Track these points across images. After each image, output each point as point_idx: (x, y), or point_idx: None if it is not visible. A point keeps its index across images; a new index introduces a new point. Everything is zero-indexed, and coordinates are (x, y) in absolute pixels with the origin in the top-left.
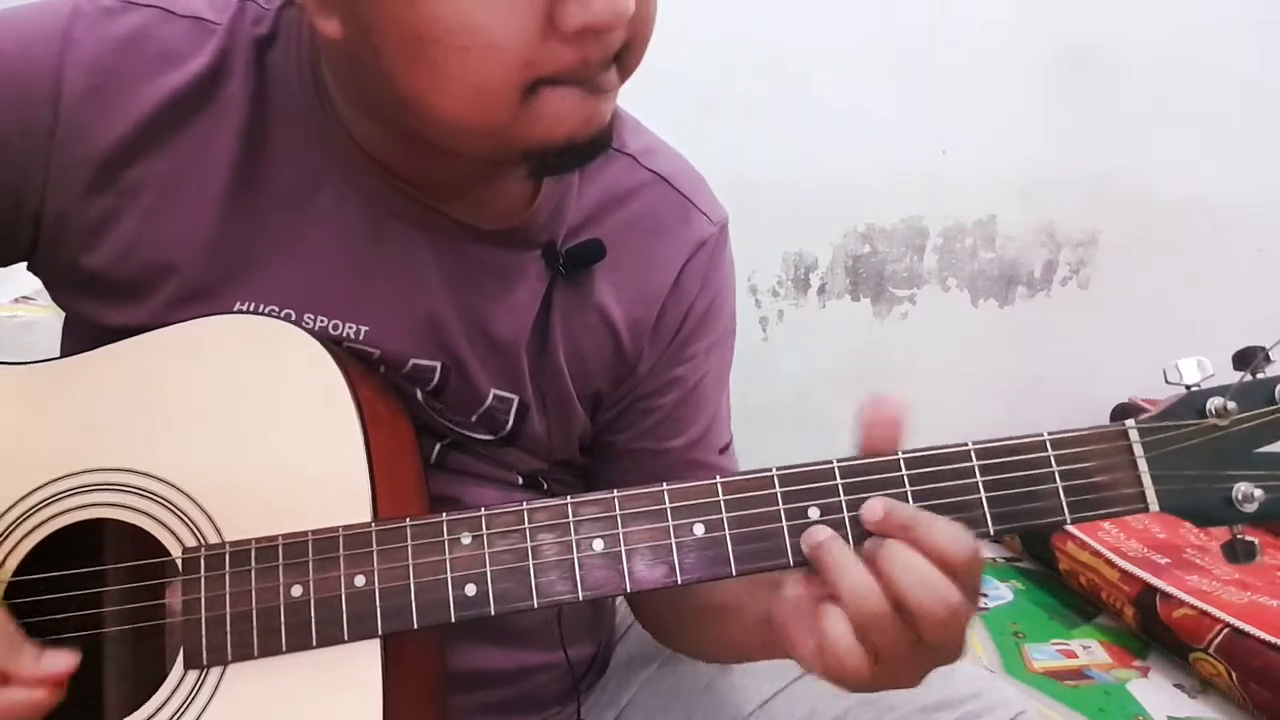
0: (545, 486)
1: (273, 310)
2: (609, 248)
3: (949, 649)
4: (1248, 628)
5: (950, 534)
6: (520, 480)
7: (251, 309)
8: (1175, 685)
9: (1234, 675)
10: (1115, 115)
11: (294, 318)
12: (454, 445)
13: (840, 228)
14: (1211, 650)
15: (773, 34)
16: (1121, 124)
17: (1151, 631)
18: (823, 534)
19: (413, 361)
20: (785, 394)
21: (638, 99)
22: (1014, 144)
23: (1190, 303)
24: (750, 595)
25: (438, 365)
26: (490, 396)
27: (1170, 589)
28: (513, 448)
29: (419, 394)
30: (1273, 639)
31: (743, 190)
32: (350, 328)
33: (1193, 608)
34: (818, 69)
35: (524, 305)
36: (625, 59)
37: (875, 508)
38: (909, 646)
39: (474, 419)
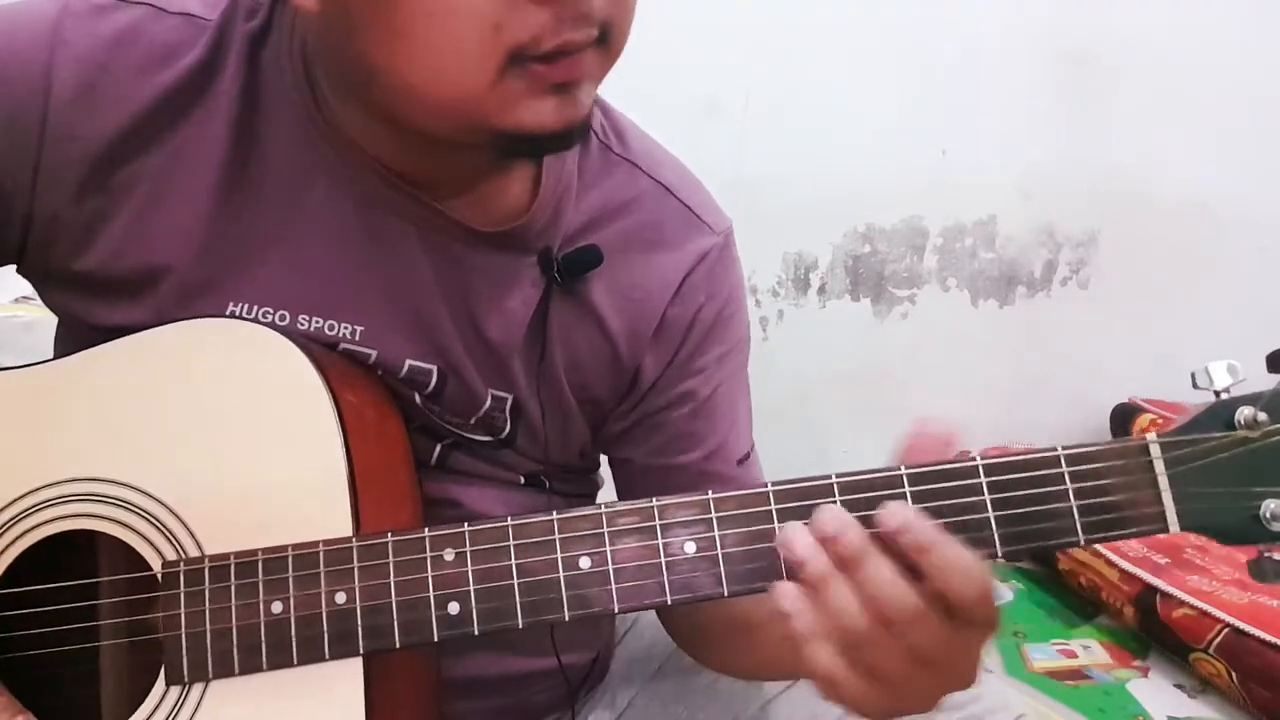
0: (547, 485)
1: (267, 312)
2: (607, 256)
3: (956, 670)
4: (1248, 628)
5: (962, 571)
6: (522, 480)
7: (246, 310)
8: (1175, 685)
9: (1234, 675)
10: (1115, 115)
11: (289, 319)
12: (455, 446)
13: (840, 228)
14: (1211, 650)
15: (773, 34)
16: (1121, 124)
17: (1151, 631)
18: (800, 543)
19: (409, 363)
20: (785, 394)
21: (638, 99)
22: (1014, 144)
23: (1190, 302)
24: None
25: (434, 369)
26: (488, 398)
27: (1170, 589)
28: (511, 450)
29: (417, 398)
30: (1273, 639)
31: (742, 190)
32: (346, 328)
33: (1193, 608)
34: (817, 69)
35: (517, 310)
36: (607, 40)
37: (895, 514)
38: (903, 664)
39: (473, 421)
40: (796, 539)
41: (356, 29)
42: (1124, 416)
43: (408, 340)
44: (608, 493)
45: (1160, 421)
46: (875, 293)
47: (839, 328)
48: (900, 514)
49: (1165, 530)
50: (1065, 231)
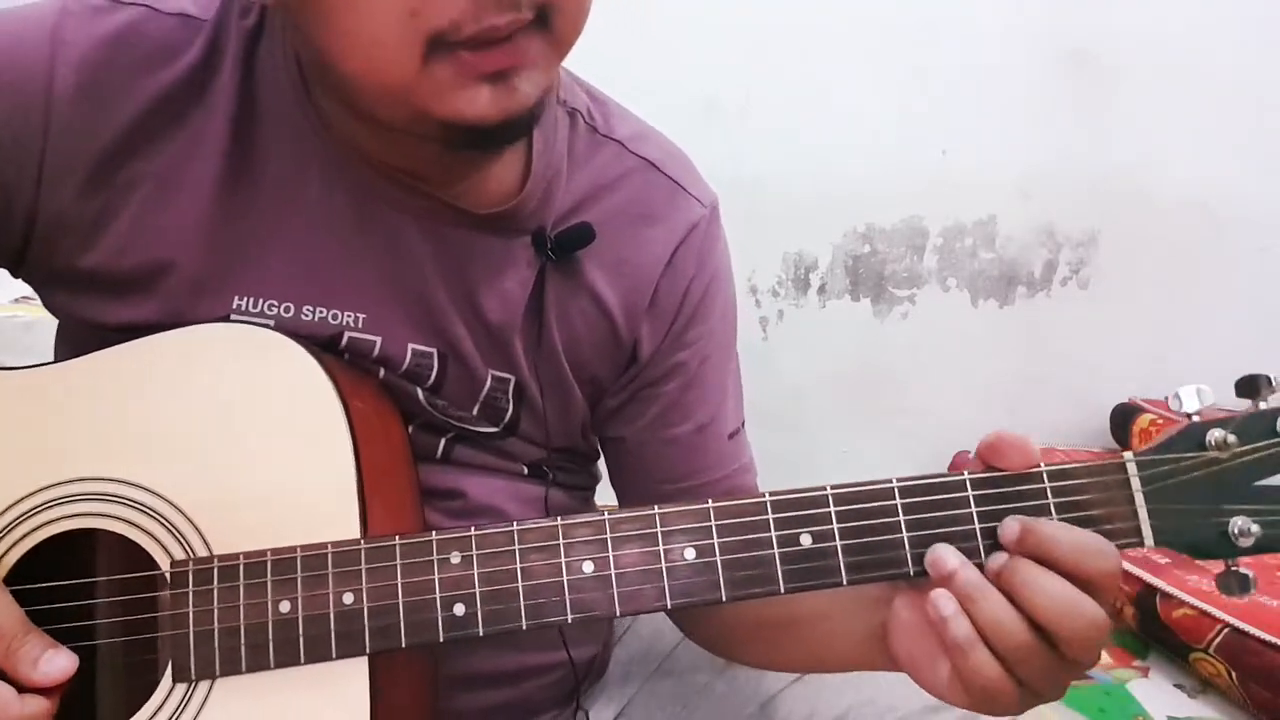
0: (550, 476)
1: (273, 304)
2: (599, 233)
3: (1090, 661)
4: (1248, 628)
5: (1093, 548)
6: (525, 470)
7: (251, 303)
8: (1175, 685)
9: (1234, 675)
10: (1115, 115)
11: (293, 310)
12: (458, 439)
13: (840, 228)
14: (1211, 650)
15: (773, 34)
16: (1121, 124)
17: (1151, 631)
18: (950, 561)
19: (411, 348)
20: (785, 394)
21: (638, 99)
22: (1014, 144)
23: (1190, 302)
24: (837, 605)
25: (434, 352)
26: (489, 379)
27: (1170, 589)
28: (515, 438)
29: (420, 394)
30: (1273, 639)
31: (742, 190)
32: (349, 316)
33: (1193, 608)
34: (818, 69)
35: (514, 291)
36: (552, 25)
37: (1012, 527)
38: (1054, 668)
39: (475, 410)
40: (946, 553)
41: (298, 19)
42: (1124, 416)
43: (409, 325)
44: (604, 491)
45: (1160, 421)
46: (875, 293)
47: (839, 328)
48: (1015, 525)
49: (1140, 544)
50: (1065, 231)
